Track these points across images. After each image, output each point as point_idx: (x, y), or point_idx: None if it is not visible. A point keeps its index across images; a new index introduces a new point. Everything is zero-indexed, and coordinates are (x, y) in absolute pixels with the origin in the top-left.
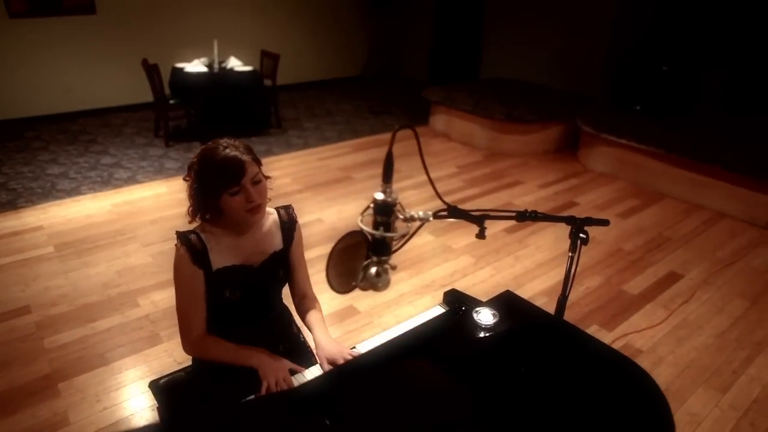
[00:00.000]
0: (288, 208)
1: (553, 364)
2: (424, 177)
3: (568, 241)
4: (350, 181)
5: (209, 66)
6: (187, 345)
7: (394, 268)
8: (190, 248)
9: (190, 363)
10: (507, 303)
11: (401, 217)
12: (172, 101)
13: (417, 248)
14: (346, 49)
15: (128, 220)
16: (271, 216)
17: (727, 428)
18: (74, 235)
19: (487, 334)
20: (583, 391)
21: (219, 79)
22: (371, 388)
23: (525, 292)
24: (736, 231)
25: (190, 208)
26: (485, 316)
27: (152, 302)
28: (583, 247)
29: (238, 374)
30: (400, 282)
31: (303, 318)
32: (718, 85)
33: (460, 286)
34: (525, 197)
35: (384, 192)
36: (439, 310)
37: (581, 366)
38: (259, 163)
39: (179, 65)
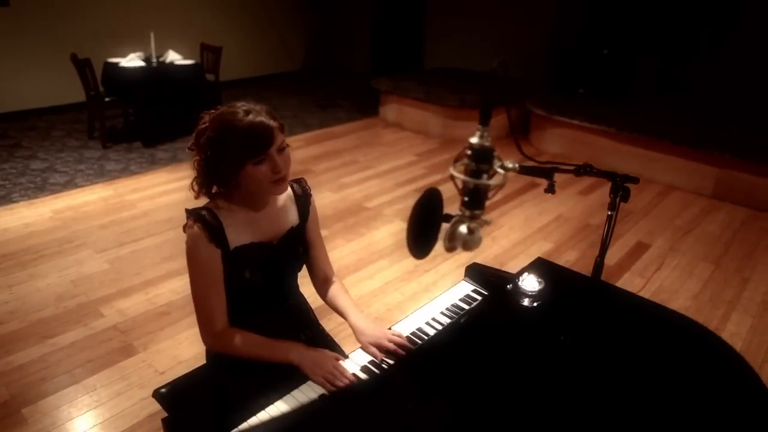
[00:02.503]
0: (300, 181)
1: (608, 326)
2: (384, 167)
3: (538, 220)
4: (311, 173)
5: (147, 60)
6: (210, 338)
7: (488, 223)
8: (206, 225)
9: (180, 370)
10: (542, 270)
11: (496, 166)
12: (107, 99)
13: (393, 236)
14: (284, 45)
15: (74, 226)
16: None
17: None
18: (13, 246)
19: (535, 303)
20: (645, 353)
21: (158, 73)
22: (439, 370)
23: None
24: (687, 201)
25: (197, 181)
26: (530, 283)
27: (118, 311)
28: (555, 224)
29: (263, 370)
30: (383, 270)
31: (329, 301)
32: (653, 67)
33: (444, 269)
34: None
35: (481, 136)
36: (466, 286)
37: (641, 328)
38: (283, 130)
39: (113, 60)
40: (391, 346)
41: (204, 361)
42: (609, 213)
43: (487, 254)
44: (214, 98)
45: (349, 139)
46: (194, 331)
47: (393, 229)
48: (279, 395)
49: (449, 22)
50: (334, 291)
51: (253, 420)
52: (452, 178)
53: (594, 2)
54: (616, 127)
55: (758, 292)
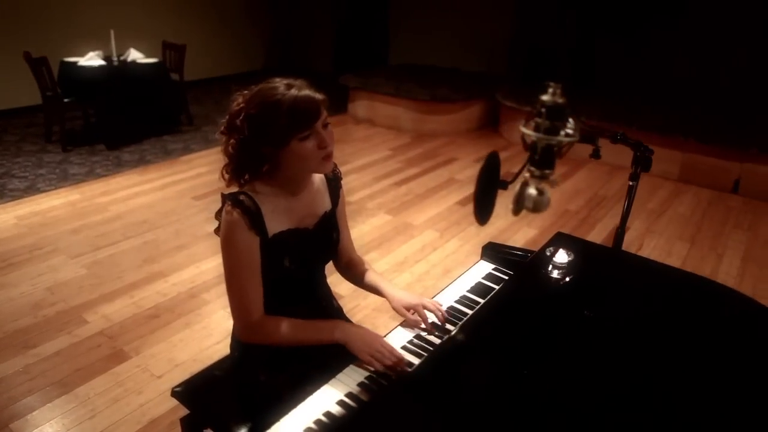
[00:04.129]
0: None
1: (644, 294)
2: (361, 162)
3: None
4: None
5: (107, 59)
6: (247, 329)
7: (557, 183)
8: (245, 211)
9: (178, 373)
10: (563, 244)
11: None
12: (66, 100)
13: (377, 229)
14: (244, 44)
15: (42, 232)
16: (317, 174)
17: None
18: None
19: (567, 278)
20: (681, 315)
21: (120, 73)
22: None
23: None
24: (656, 185)
25: (228, 168)
26: (561, 257)
27: (103, 316)
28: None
29: (296, 360)
30: (374, 263)
31: (358, 281)
32: (614, 57)
33: (434, 259)
34: (465, 172)
35: (553, 93)
36: (486, 265)
37: (671, 292)
38: (326, 104)
39: (70, 59)
40: (430, 309)
41: (212, 360)
42: (630, 183)
43: (474, 242)
44: (179, 98)
45: None
46: (188, 333)
47: (377, 222)
48: (317, 383)
49: (413, 18)
50: (364, 271)
51: (305, 408)
52: (523, 136)
53: None
54: (585, 116)
55: (733, 266)
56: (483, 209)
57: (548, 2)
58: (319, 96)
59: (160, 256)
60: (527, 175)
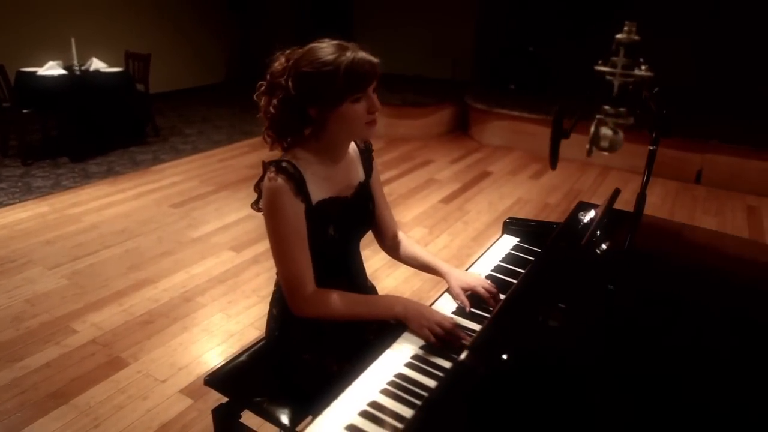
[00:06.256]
0: None
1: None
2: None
3: (501, 204)
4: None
5: (68, 68)
6: (302, 303)
7: (631, 122)
8: (290, 177)
9: (183, 376)
10: (587, 212)
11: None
12: (24, 111)
13: None
14: (206, 57)
15: (12, 245)
16: (351, 144)
17: None
18: None
19: (604, 245)
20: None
21: (83, 83)
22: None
23: None
24: (625, 179)
25: (271, 131)
26: (590, 222)
27: (93, 325)
28: (518, 206)
29: (337, 335)
30: (368, 260)
31: (404, 255)
32: (572, 61)
33: (430, 252)
34: (443, 172)
35: (629, 31)
36: (509, 239)
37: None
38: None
39: (27, 69)
40: (485, 293)
41: (217, 361)
42: (650, 148)
43: (463, 237)
44: (145, 109)
45: None
46: (187, 336)
47: None
48: (364, 358)
49: (376, 27)
50: (407, 244)
51: (373, 372)
52: (599, 75)
53: (517, 2)
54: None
55: None
56: (554, 156)
57: (510, 11)
58: (375, 59)
59: (145, 264)
60: (600, 116)
